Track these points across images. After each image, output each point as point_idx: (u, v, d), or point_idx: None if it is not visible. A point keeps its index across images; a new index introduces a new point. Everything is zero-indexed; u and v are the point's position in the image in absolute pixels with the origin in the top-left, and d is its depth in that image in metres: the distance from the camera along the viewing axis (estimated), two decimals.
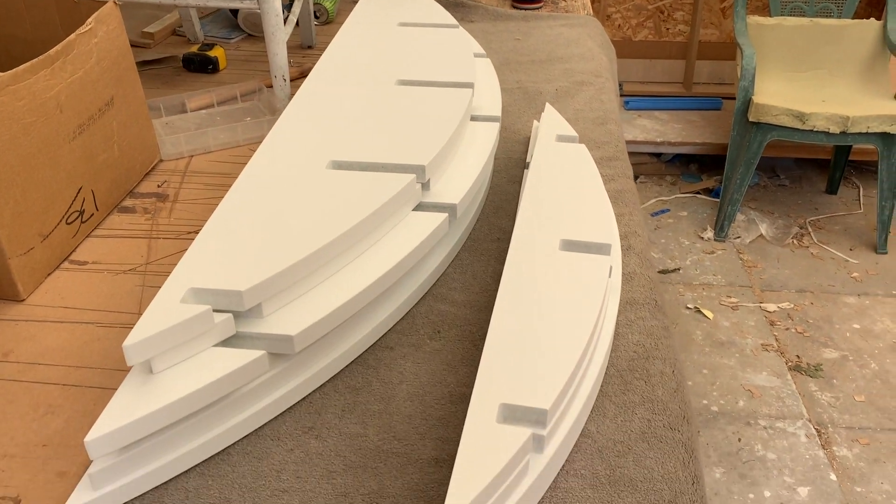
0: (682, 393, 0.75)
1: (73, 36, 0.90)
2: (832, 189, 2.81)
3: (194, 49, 1.47)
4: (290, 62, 1.30)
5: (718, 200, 2.67)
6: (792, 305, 2.27)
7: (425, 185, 0.86)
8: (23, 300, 0.87)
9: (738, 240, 2.57)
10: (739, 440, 1.84)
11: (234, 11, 1.64)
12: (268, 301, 0.69)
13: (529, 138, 1.18)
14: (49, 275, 0.91)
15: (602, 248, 0.78)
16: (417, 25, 1.21)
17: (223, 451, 0.69)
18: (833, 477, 1.75)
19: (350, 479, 0.67)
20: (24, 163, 0.84)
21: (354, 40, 1.16)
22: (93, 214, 0.99)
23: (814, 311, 2.25)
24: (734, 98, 2.46)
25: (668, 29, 3.10)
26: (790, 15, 2.61)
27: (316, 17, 1.67)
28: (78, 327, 0.83)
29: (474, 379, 0.64)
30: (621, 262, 0.89)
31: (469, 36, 1.22)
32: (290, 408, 0.74)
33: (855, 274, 2.40)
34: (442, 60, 1.09)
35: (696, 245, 2.55)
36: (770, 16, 2.60)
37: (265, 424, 0.72)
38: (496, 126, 1.02)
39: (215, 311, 0.67)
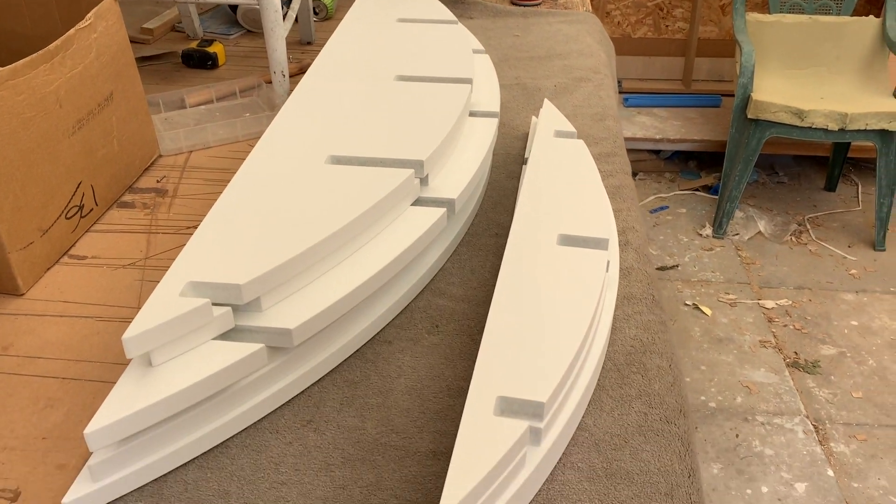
0: (679, 387, 0.75)
1: (72, 31, 0.91)
2: (831, 186, 2.81)
3: (193, 45, 1.47)
4: (289, 58, 1.30)
5: (717, 197, 2.68)
6: (790, 302, 2.28)
7: (424, 181, 0.86)
8: (22, 294, 0.88)
9: (736, 237, 2.57)
10: (737, 436, 1.84)
11: (234, 7, 1.64)
12: (266, 295, 0.70)
13: (528, 134, 1.19)
14: (48, 269, 0.92)
15: (599, 243, 0.79)
16: (416, 21, 1.21)
17: (222, 443, 0.70)
18: (830, 473, 1.75)
19: (348, 472, 0.67)
20: (23, 157, 0.85)
21: (353, 36, 1.17)
22: (92, 209, 0.99)
23: (812, 308, 2.25)
24: (733, 95, 2.47)
25: (667, 26, 3.10)
26: (789, 12, 2.61)
27: (315, 13, 1.68)
28: (77, 321, 0.84)
29: (472, 373, 0.64)
30: (619, 257, 0.90)
31: (468, 32, 1.22)
32: (289, 401, 0.74)
33: (853, 271, 2.41)
34: (441, 56, 1.09)
35: (694, 242, 2.56)
36: (769, 13, 2.61)
37: (264, 417, 0.72)
38: (494, 122, 1.02)
39: (214, 304, 0.67)
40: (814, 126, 2.30)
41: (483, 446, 0.58)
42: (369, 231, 0.79)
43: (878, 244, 2.49)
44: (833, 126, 2.28)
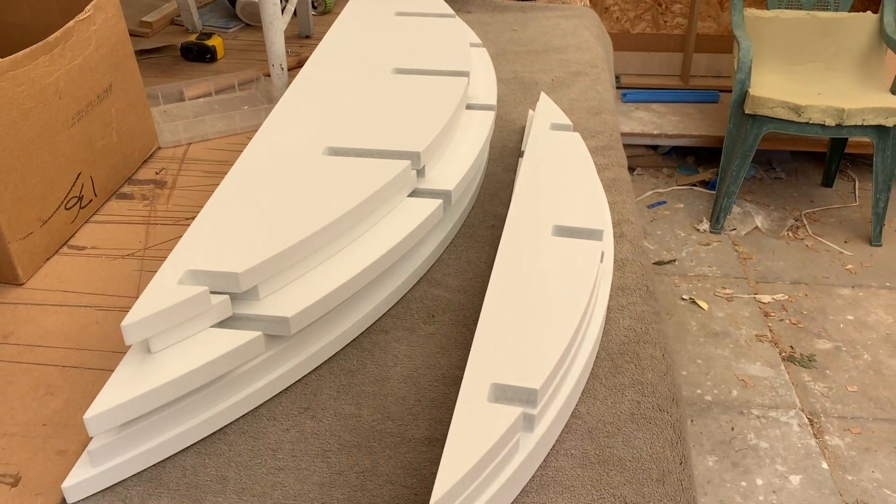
0: (672, 376, 0.76)
1: (71, 23, 0.91)
2: (828, 182, 2.82)
3: (192, 38, 1.47)
4: (287, 51, 1.30)
5: (714, 192, 2.68)
6: (786, 297, 2.29)
7: (420, 172, 0.87)
8: (22, 284, 0.88)
9: (733, 232, 2.58)
10: (732, 429, 1.85)
11: (232, 1, 1.65)
12: (264, 283, 0.71)
13: (525, 128, 1.19)
14: (48, 259, 0.92)
15: (594, 234, 0.80)
16: (414, 15, 1.22)
17: (220, 429, 0.70)
18: (825, 465, 1.76)
19: (344, 458, 0.68)
20: (23, 148, 0.85)
21: (351, 29, 1.17)
22: (91, 200, 0.99)
23: (808, 303, 2.26)
24: (731, 91, 2.47)
25: (665, 21, 3.10)
26: (787, 8, 2.62)
27: (313, 6, 1.68)
28: (77, 311, 0.85)
29: (467, 362, 0.65)
30: (614, 248, 0.91)
31: (465, 25, 1.22)
32: (287, 388, 0.75)
33: (849, 266, 2.42)
34: (438, 49, 1.10)
35: (691, 237, 2.57)
36: (767, 9, 2.61)
37: (262, 404, 0.73)
38: (491, 114, 1.02)
39: (212, 292, 0.68)
40: (811, 122, 2.30)
41: (477, 432, 0.59)
42: (366, 221, 0.80)
43: (874, 239, 2.50)
44: (830, 122, 2.29)
